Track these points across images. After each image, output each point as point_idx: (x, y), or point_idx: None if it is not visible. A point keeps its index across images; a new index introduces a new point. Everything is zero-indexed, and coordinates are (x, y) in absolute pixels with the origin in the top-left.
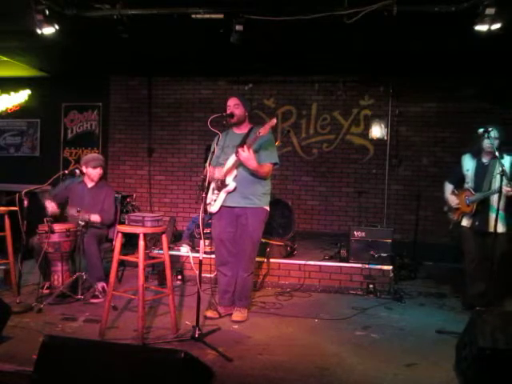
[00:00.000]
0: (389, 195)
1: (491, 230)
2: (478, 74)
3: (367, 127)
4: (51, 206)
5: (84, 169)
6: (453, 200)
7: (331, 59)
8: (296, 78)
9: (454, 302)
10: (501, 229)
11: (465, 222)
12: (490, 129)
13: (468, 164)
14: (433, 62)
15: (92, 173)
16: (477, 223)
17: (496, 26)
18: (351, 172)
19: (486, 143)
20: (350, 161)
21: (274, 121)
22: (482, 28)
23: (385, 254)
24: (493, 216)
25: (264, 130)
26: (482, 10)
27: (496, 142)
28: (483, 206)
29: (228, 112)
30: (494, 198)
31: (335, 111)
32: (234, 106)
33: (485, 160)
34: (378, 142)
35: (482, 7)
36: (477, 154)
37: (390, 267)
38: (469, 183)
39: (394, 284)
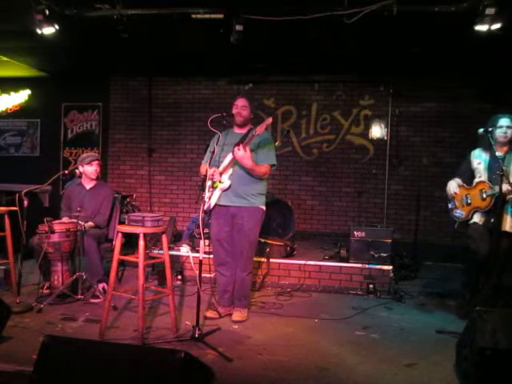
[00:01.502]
0: (389, 195)
1: (506, 229)
2: (478, 73)
3: (367, 127)
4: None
5: (81, 168)
6: (454, 187)
7: (331, 59)
8: (296, 77)
9: (454, 302)
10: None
11: (477, 219)
12: (491, 129)
13: (479, 157)
14: (433, 61)
15: (89, 170)
16: (492, 220)
17: (496, 26)
18: (351, 172)
19: (499, 132)
20: (350, 161)
21: (270, 119)
22: (481, 28)
23: (385, 254)
24: (508, 214)
25: (260, 129)
26: (482, 9)
27: (510, 131)
28: (500, 202)
29: (234, 111)
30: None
31: (335, 111)
32: (241, 107)
33: (499, 154)
34: (378, 142)
35: (481, 7)
36: (488, 148)
37: (390, 267)
38: (481, 177)
39: (394, 284)
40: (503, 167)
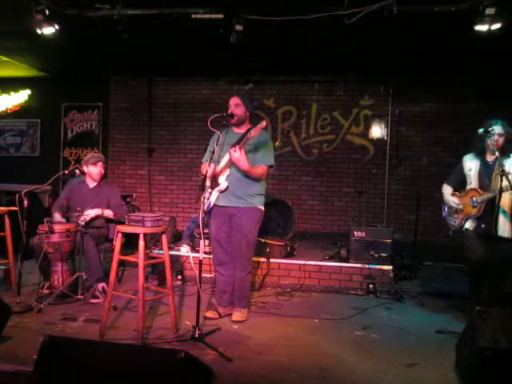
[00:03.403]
0: (389, 195)
1: (498, 233)
2: (478, 73)
3: (367, 127)
4: (57, 217)
5: (85, 169)
6: (455, 200)
7: (331, 59)
8: (296, 78)
9: (454, 302)
10: (506, 233)
11: (468, 225)
12: (491, 129)
13: (471, 163)
14: (433, 61)
15: (93, 171)
16: (483, 226)
17: (496, 26)
18: (351, 172)
19: (489, 141)
20: (350, 161)
21: (264, 123)
22: (481, 28)
23: (385, 254)
24: (500, 218)
25: (254, 132)
26: (482, 9)
27: (501, 140)
28: (489, 207)
29: (229, 111)
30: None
31: (335, 111)
32: (234, 105)
33: (489, 159)
34: (378, 142)
35: (481, 7)
36: (480, 153)
37: (390, 267)
38: (472, 183)
39: (394, 284)
40: (502, 167)
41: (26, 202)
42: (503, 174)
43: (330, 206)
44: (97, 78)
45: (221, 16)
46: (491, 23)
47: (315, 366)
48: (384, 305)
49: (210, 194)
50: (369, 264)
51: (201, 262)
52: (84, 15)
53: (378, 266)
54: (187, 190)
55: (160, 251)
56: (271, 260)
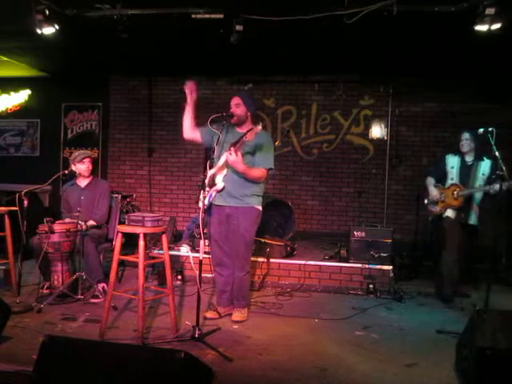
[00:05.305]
0: (389, 195)
1: (471, 222)
2: (478, 73)
3: (367, 127)
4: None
5: (73, 167)
6: (435, 194)
7: (331, 59)
8: (296, 77)
9: (454, 302)
10: (473, 221)
11: (450, 213)
12: (491, 129)
13: (452, 162)
14: (433, 62)
15: (81, 167)
16: (462, 215)
17: (496, 26)
18: (351, 172)
19: (462, 145)
20: (350, 161)
21: (259, 128)
22: (481, 28)
23: (385, 254)
24: (475, 209)
25: (250, 136)
26: (482, 9)
27: (468, 142)
28: (468, 200)
29: (230, 111)
30: (476, 194)
31: (335, 111)
32: (235, 105)
33: (468, 159)
34: (378, 142)
35: (481, 7)
36: (457, 152)
37: (390, 267)
38: (453, 179)
39: (394, 284)
40: (503, 167)
41: (25, 202)
42: (503, 174)
43: (330, 205)
44: (97, 78)
45: (221, 16)
46: (491, 23)
47: (315, 366)
48: (384, 305)
49: (208, 192)
50: (369, 264)
51: (201, 262)
52: (84, 15)
53: (378, 266)
54: (187, 190)
55: (160, 251)
56: (271, 260)
